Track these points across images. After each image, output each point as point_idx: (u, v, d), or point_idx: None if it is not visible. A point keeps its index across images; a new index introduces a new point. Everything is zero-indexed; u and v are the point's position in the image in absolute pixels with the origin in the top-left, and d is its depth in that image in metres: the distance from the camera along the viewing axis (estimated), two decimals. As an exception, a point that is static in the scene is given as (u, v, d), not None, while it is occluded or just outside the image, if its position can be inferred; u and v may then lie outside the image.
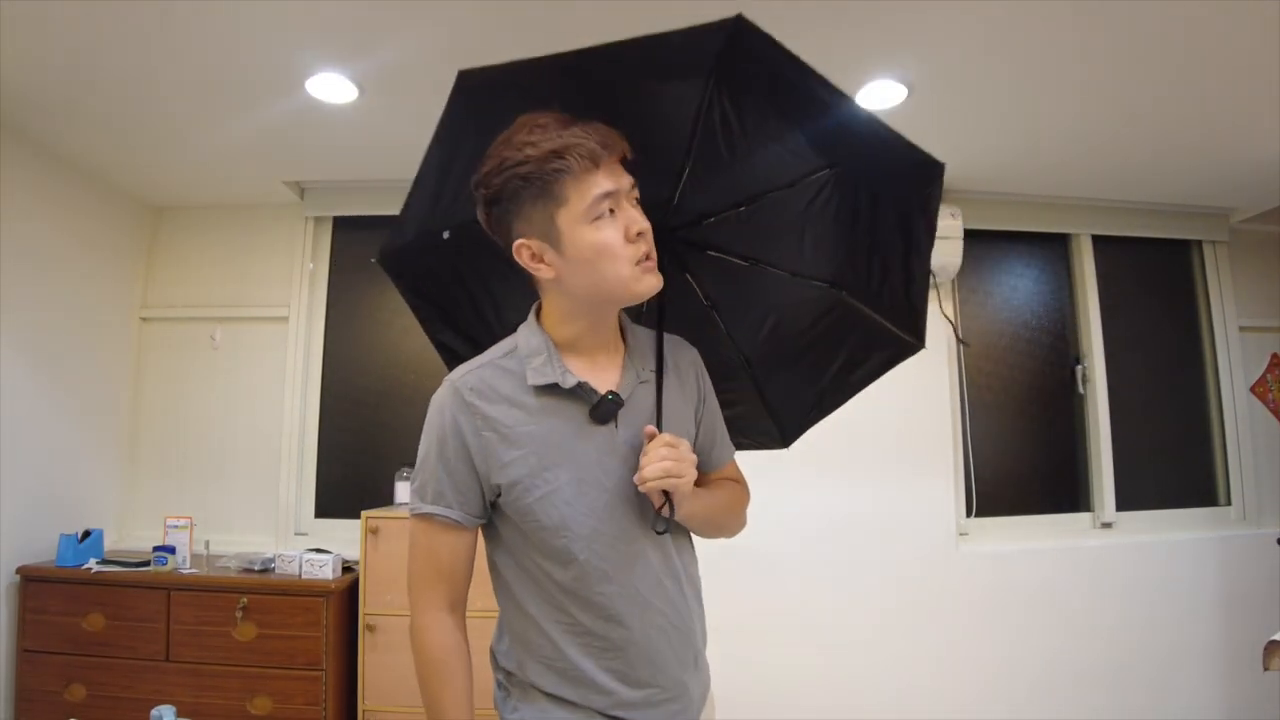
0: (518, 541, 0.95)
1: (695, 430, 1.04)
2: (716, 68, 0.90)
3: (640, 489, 0.89)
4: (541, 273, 0.92)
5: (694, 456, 0.94)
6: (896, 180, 0.98)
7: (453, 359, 1.11)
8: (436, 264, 1.09)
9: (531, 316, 1.00)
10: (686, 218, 1.08)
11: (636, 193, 0.91)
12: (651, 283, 0.91)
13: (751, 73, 0.91)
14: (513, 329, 1.00)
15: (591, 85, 0.92)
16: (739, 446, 1.17)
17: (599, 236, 0.87)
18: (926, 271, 1.03)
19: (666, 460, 0.89)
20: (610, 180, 0.87)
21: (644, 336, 1.04)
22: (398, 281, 1.11)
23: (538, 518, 0.91)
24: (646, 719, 0.95)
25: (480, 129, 0.91)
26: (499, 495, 0.93)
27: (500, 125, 0.89)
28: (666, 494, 0.91)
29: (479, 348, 1.02)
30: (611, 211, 0.88)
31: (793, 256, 1.12)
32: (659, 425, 0.94)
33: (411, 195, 1.01)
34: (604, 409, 0.93)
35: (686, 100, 0.95)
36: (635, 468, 0.91)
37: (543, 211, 0.88)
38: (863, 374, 1.18)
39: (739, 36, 0.83)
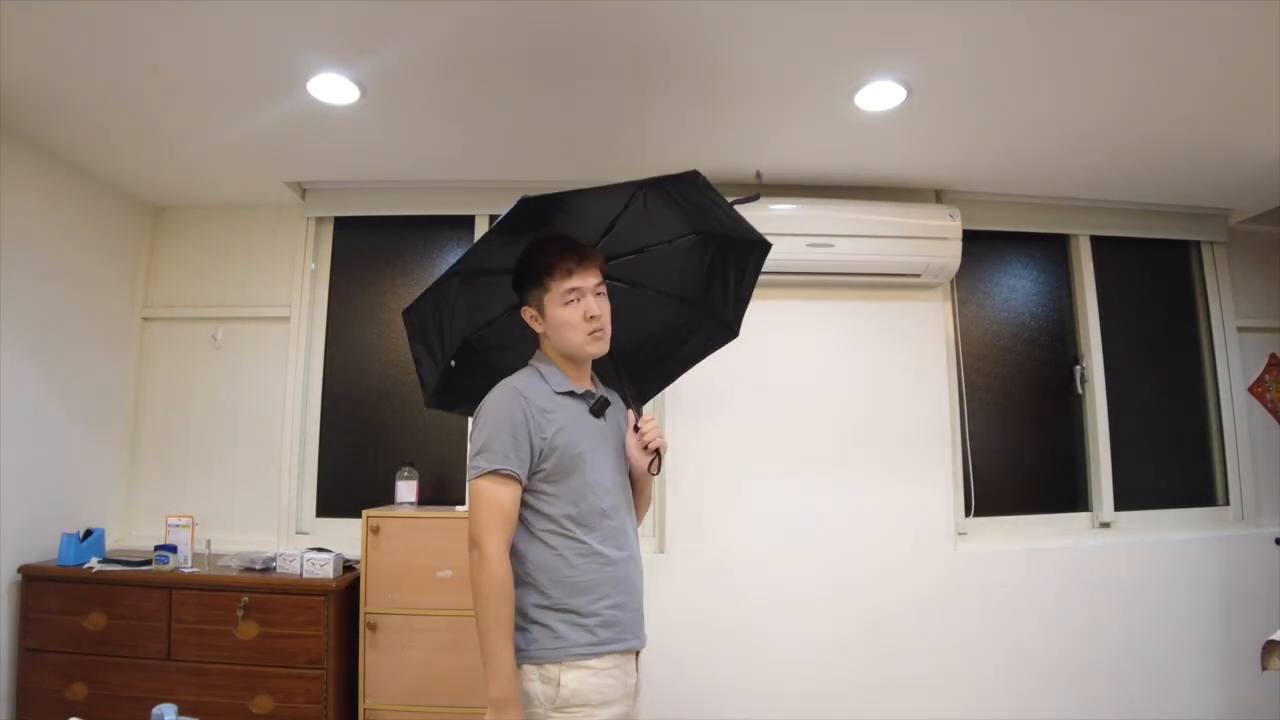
0: (549, 490, 1.38)
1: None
2: (533, 212, 1.38)
3: (652, 444, 1.47)
4: (536, 327, 1.48)
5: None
6: (680, 182, 1.44)
7: None
8: (459, 379, 1.60)
9: (541, 354, 1.51)
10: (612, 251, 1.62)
11: (603, 289, 1.45)
12: (598, 348, 1.45)
13: (552, 204, 1.41)
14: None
15: (478, 256, 1.48)
16: (706, 351, 1.79)
17: (564, 314, 1.42)
18: (735, 213, 1.54)
19: (657, 427, 1.50)
20: (578, 281, 1.41)
21: (601, 385, 1.58)
22: (447, 408, 1.65)
23: (569, 469, 1.38)
24: (625, 620, 1.39)
25: (430, 318, 1.48)
26: (542, 456, 1.36)
27: (440, 306, 1.47)
28: (658, 451, 1.49)
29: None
30: (575, 300, 1.41)
31: (659, 234, 1.63)
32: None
33: (420, 371, 1.54)
34: (600, 406, 1.48)
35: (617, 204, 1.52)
36: (617, 448, 1.49)
37: (537, 294, 1.45)
38: (751, 275, 1.69)
39: (525, 205, 1.31)
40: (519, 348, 1.55)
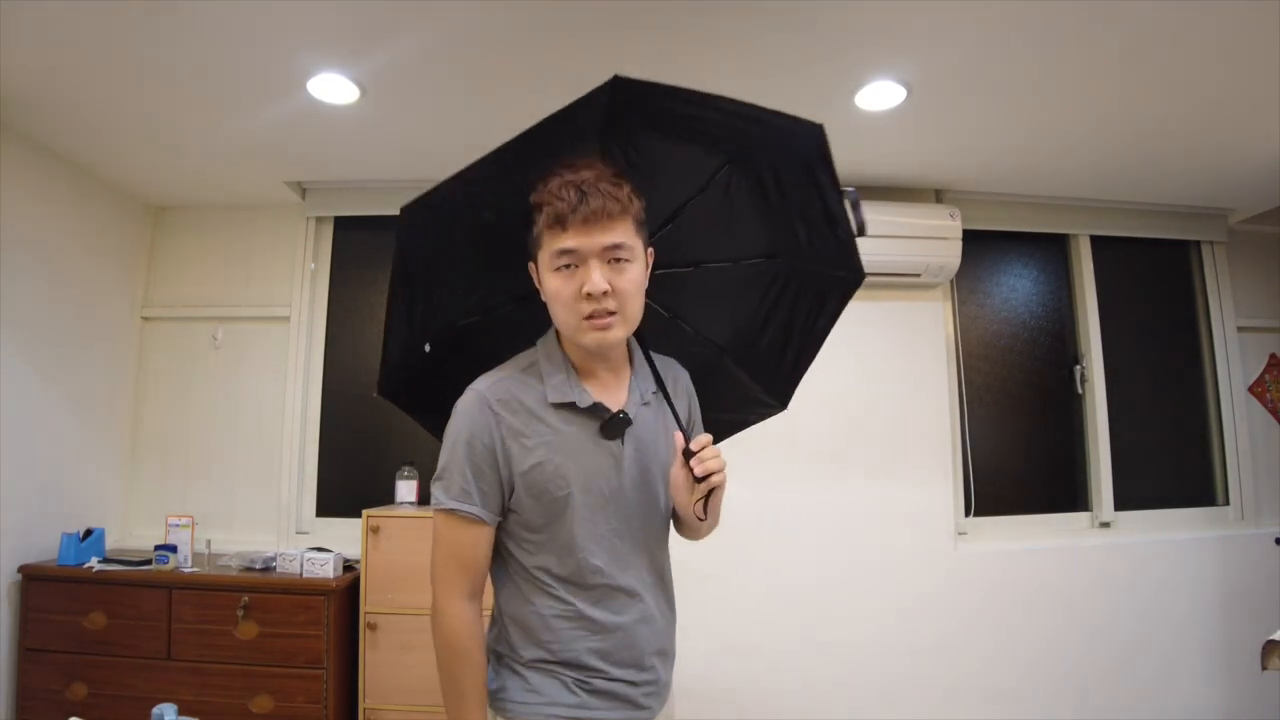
0: (525, 535, 1.05)
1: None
2: (603, 126, 1.02)
3: (702, 482, 1.00)
4: (543, 295, 1.04)
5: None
6: (787, 148, 1.07)
7: None
8: (431, 376, 1.16)
9: (551, 334, 1.09)
10: None
11: (627, 253, 0.99)
12: (595, 338, 1.00)
13: (635, 118, 1.03)
14: None
15: (509, 180, 1.02)
16: (744, 425, 1.37)
17: (552, 284, 0.99)
18: (843, 210, 1.10)
19: (721, 459, 1.02)
20: (575, 240, 0.96)
21: (645, 360, 1.13)
22: (405, 408, 1.22)
23: (548, 516, 1.03)
24: (622, 692, 1.06)
25: (427, 249, 1.05)
26: (514, 494, 1.03)
27: (442, 241, 1.05)
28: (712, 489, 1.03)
29: None
30: (569, 266, 0.98)
31: (727, 246, 1.22)
32: (684, 434, 1.04)
33: (389, 328, 1.08)
34: (614, 427, 1.05)
35: (590, 156, 1.06)
36: (635, 480, 1.07)
37: (534, 246, 1.03)
38: (825, 321, 1.27)
39: (616, 93, 0.93)
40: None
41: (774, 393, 1.35)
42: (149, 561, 2.37)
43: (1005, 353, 2.99)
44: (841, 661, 2.59)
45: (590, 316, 0.98)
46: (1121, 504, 2.91)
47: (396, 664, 2.26)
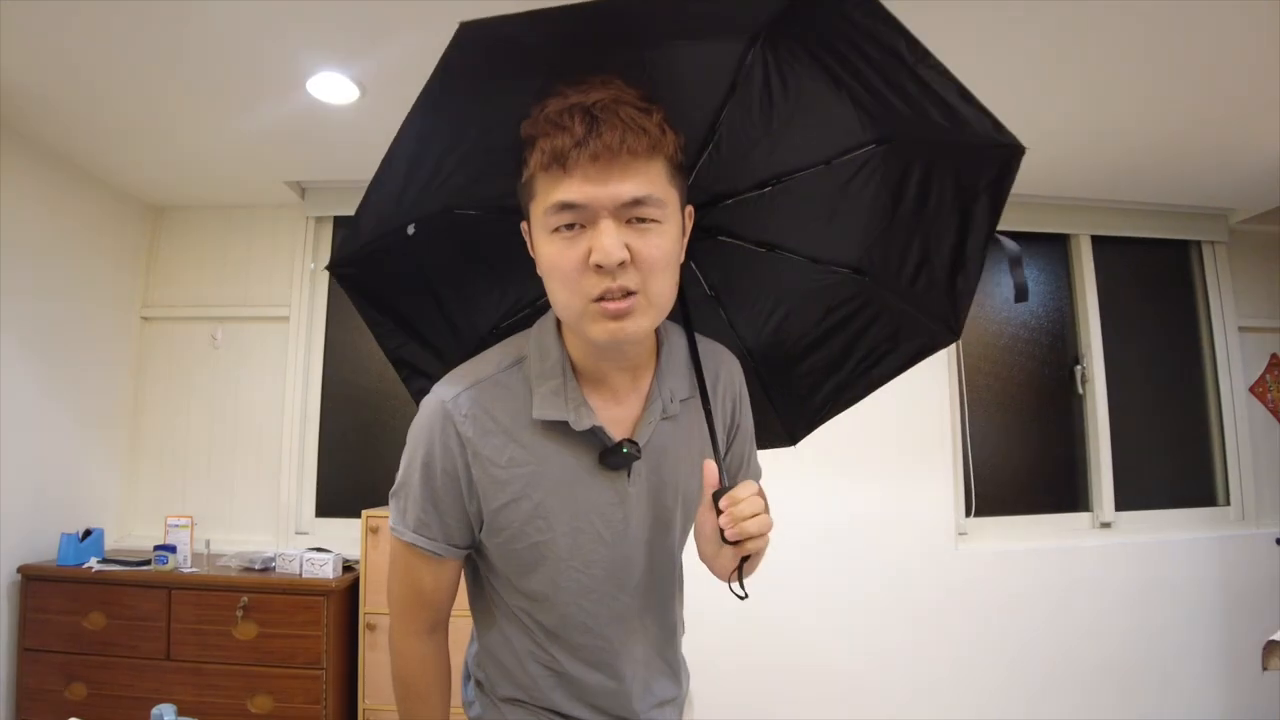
0: (503, 573, 0.87)
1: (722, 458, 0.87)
2: (765, 28, 0.72)
3: (735, 548, 0.74)
4: (538, 268, 0.76)
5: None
6: (961, 158, 0.82)
7: (414, 376, 0.94)
8: (399, 266, 0.89)
9: (550, 318, 0.83)
10: (701, 198, 0.89)
11: (648, 210, 0.70)
12: (607, 331, 0.72)
13: (812, 40, 0.73)
14: (485, 340, 0.87)
15: (609, 42, 0.71)
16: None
17: (548, 252, 0.72)
18: (982, 258, 0.85)
19: (764, 515, 0.73)
20: (581, 188, 0.68)
21: (681, 351, 0.87)
22: (353, 293, 0.93)
23: (524, 564, 0.83)
24: None
25: (470, 97, 0.74)
26: (486, 531, 0.84)
27: (497, 94, 0.74)
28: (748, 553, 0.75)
29: (445, 364, 0.90)
30: (570, 228, 0.70)
31: (816, 241, 0.95)
32: (718, 466, 0.77)
33: (374, 185, 0.78)
34: (617, 460, 0.81)
35: (723, 62, 0.76)
36: (644, 518, 0.86)
37: (525, 197, 0.76)
38: (887, 368, 1.04)
39: None
40: (523, 287, 0.91)
41: (790, 425, 1.12)
42: (148, 562, 2.37)
43: (1005, 353, 2.99)
44: (840, 662, 2.59)
45: (601, 299, 0.70)
46: (1122, 504, 2.90)
47: (396, 664, 2.25)
